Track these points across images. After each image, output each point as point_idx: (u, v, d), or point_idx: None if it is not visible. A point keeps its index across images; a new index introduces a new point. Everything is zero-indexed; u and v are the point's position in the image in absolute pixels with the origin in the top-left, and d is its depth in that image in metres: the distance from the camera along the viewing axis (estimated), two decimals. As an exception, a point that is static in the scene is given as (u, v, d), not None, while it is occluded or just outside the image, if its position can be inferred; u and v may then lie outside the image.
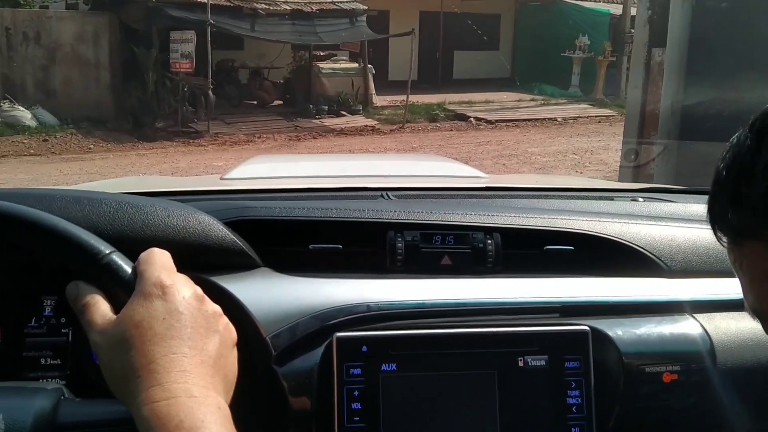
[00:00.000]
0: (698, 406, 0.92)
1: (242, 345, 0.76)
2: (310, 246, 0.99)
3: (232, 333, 0.73)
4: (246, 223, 0.99)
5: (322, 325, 0.88)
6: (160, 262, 0.71)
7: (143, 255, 0.72)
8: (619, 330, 0.93)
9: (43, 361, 0.93)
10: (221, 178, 1.82)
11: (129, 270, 0.71)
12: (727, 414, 0.94)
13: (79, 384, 0.87)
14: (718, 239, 0.63)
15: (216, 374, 0.66)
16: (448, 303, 0.94)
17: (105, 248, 0.71)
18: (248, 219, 1.00)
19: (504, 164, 9.33)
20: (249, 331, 0.85)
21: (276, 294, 0.90)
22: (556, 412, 0.89)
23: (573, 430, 0.89)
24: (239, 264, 0.94)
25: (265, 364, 0.85)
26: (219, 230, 0.92)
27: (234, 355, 0.73)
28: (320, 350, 0.87)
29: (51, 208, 0.83)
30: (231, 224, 0.97)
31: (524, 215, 1.08)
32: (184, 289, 0.69)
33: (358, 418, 0.85)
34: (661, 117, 2.26)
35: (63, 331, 0.94)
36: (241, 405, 0.75)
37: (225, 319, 0.73)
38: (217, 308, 0.73)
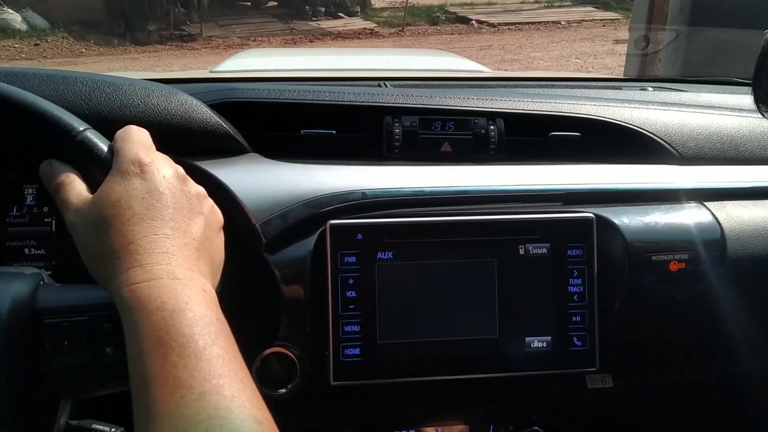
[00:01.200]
0: (704, 296, 0.89)
1: (231, 232, 0.72)
2: (302, 131, 0.93)
3: (217, 216, 0.69)
4: (233, 106, 0.93)
5: (314, 212, 0.84)
6: (138, 139, 0.66)
7: (120, 132, 0.67)
8: (625, 218, 0.89)
9: (27, 251, 0.90)
10: (210, 71, 1.75)
11: (105, 148, 0.66)
12: (733, 305, 0.91)
13: (65, 275, 0.84)
14: (760, 111, 0.57)
15: (201, 257, 0.62)
16: (447, 191, 0.89)
17: (79, 125, 0.66)
18: (235, 101, 0.94)
19: (506, 69, 9.12)
20: (237, 217, 0.81)
21: (265, 180, 0.85)
22: (556, 300, 0.86)
23: (574, 318, 0.86)
24: (225, 148, 0.88)
25: (256, 252, 0.82)
26: (203, 112, 0.87)
27: (220, 238, 0.69)
28: (313, 238, 0.83)
29: (23, 86, 0.78)
30: (216, 107, 0.91)
31: (528, 100, 1.02)
32: (165, 168, 0.65)
33: (353, 306, 0.82)
34: (671, 3, 2.15)
35: (46, 220, 0.91)
36: (231, 292, 0.71)
37: (210, 201, 0.69)
38: (201, 189, 0.69)
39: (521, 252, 0.86)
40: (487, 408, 0.92)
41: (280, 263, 0.82)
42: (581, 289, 0.86)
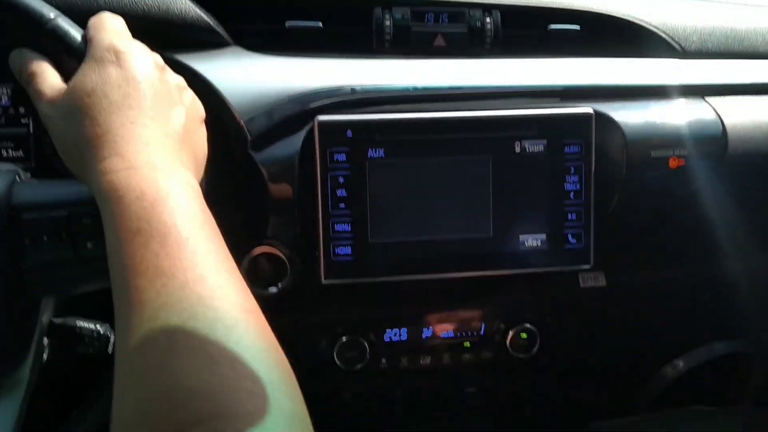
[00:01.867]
0: (702, 194, 0.88)
1: (215, 128, 0.69)
2: (286, 23, 0.88)
3: (199, 108, 0.66)
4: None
5: (302, 108, 0.80)
6: (112, 27, 0.62)
7: (93, 20, 0.63)
8: (624, 113, 0.86)
9: (4, 153, 0.86)
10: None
11: (78, 36, 0.63)
12: (730, 203, 0.90)
13: (44, 177, 0.81)
14: None
15: (183, 149, 0.59)
16: (440, 87, 0.86)
17: (49, 11, 0.62)
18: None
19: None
20: (222, 113, 0.78)
21: (249, 74, 0.81)
22: (552, 198, 0.84)
23: (569, 216, 0.85)
24: (206, 42, 0.83)
25: (241, 149, 0.79)
26: (183, 2, 0.81)
27: (203, 132, 0.65)
28: (301, 135, 0.80)
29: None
30: (196, -2, 0.86)
31: (527, -9, 0.97)
32: (142, 57, 0.61)
33: (343, 205, 0.80)
34: None
35: (23, 121, 0.87)
36: (217, 191, 0.69)
37: (190, 92, 0.65)
38: (181, 80, 0.65)
39: (517, 149, 0.83)
40: (479, 306, 0.91)
41: (267, 161, 0.79)
42: (578, 186, 0.84)
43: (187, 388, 0.41)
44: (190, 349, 0.43)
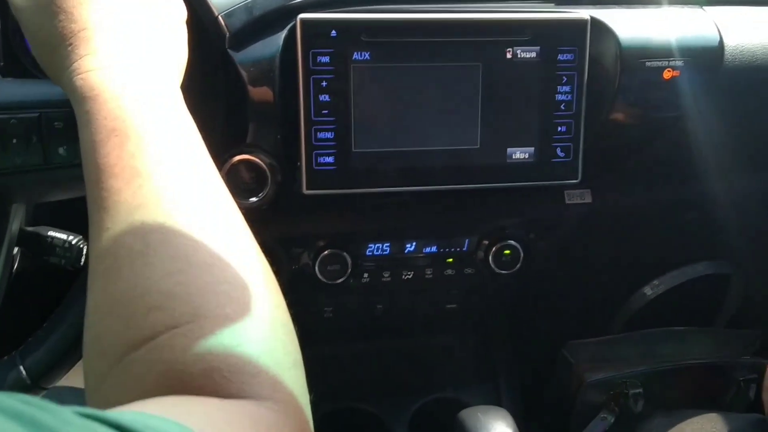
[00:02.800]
0: (695, 107, 0.85)
1: (190, 24, 0.64)
2: None
3: (181, 6, 0.61)
4: None
5: (283, 4, 0.75)
6: None
7: None
8: (620, 20, 0.82)
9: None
10: None
11: None
12: (724, 118, 0.88)
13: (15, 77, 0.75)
14: None
15: (165, 48, 0.54)
16: (430, -13, 0.81)
17: None
18: None
19: None
20: (197, 6, 0.72)
21: (227, -33, 0.76)
22: (543, 108, 0.81)
23: (559, 128, 0.82)
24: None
25: (219, 47, 0.74)
26: None
27: (184, 33, 0.60)
28: (282, 34, 0.75)
29: None
30: None
31: None
32: None
33: (326, 111, 0.76)
34: None
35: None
36: (193, 93, 0.65)
37: None
38: None
39: (509, 55, 0.80)
40: (463, 221, 0.89)
41: (246, 61, 0.74)
42: (569, 97, 0.81)
43: (162, 290, 0.39)
44: (166, 251, 0.40)
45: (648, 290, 1.20)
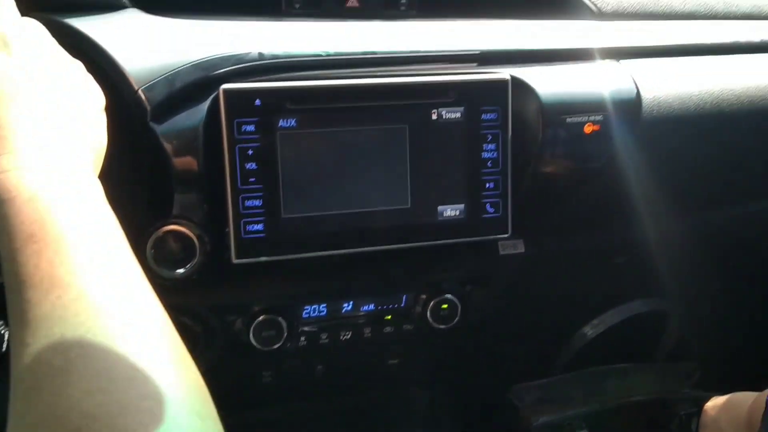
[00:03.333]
0: (617, 159, 0.87)
1: (111, 100, 0.63)
2: (189, -18, 0.82)
3: (99, 95, 0.60)
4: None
5: (206, 75, 0.75)
6: None
7: None
8: (540, 78, 0.84)
9: None
10: None
11: None
12: (645, 168, 0.90)
13: None
14: None
15: (81, 142, 0.53)
16: (354, 51, 0.82)
17: None
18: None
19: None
20: (117, 82, 0.72)
21: (148, 38, 0.75)
22: (470, 167, 0.82)
23: (487, 185, 0.83)
24: (99, 3, 0.77)
25: (140, 121, 0.73)
26: (69, -41, 0.74)
27: (103, 121, 0.60)
28: (206, 105, 0.75)
29: None
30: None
31: (443, -50, 0.93)
32: (36, 41, 0.55)
33: (253, 179, 0.76)
34: None
35: None
36: (117, 169, 0.64)
37: (90, 78, 0.60)
38: (79, 65, 0.59)
39: (434, 117, 0.81)
40: (399, 278, 0.89)
41: (168, 133, 0.73)
42: (495, 154, 0.83)
43: (83, 411, 0.37)
44: (87, 368, 0.39)
45: (588, 330, 1.22)
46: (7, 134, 0.48)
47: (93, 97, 0.59)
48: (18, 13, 0.57)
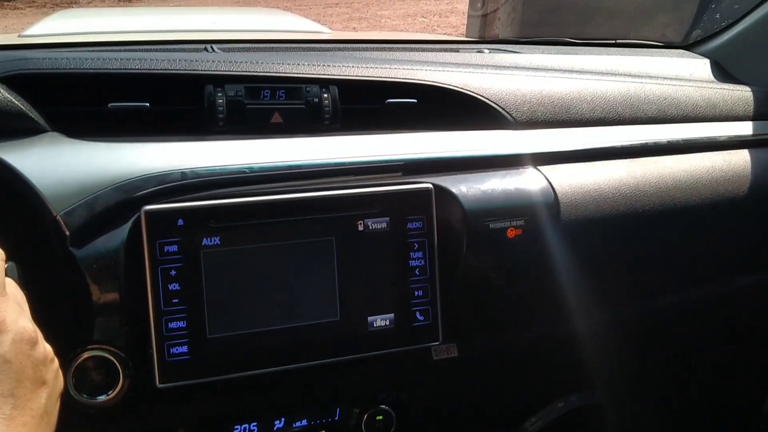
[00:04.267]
0: (541, 260, 0.90)
1: (31, 224, 0.62)
2: (109, 105, 0.83)
3: (60, 381, 0.60)
4: (28, 79, 0.81)
5: (127, 197, 0.75)
6: None
7: None
8: (462, 186, 0.87)
9: None
10: (19, 35, 1.55)
11: None
12: (569, 267, 0.92)
13: None
14: None
15: None
16: (278, 166, 0.83)
17: None
18: (29, 73, 0.81)
19: (354, 27, 9.05)
20: (36, 207, 0.71)
21: (67, 163, 0.75)
22: (398, 276, 0.83)
23: (416, 293, 0.84)
24: (18, 128, 0.77)
25: (60, 247, 0.71)
26: (-14, 86, 0.74)
27: (58, 407, 0.59)
28: (127, 227, 0.74)
29: None
30: (6, 80, 0.79)
31: (364, 65, 0.97)
32: (15, 326, 0.54)
33: (176, 301, 0.75)
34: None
35: None
36: (36, 296, 0.62)
37: (55, 365, 0.59)
38: (49, 351, 0.58)
39: (360, 228, 0.82)
40: (331, 392, 0.88)
41: (88, 258, 0.72)
42: (422, 262, 0.84)
43: None
44: None
45: (528, 426, 1.21)
46: None
47: (57, 385, 0.59)
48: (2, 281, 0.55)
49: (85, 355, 0.74)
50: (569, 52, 1.27)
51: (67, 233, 0.71)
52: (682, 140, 0.97)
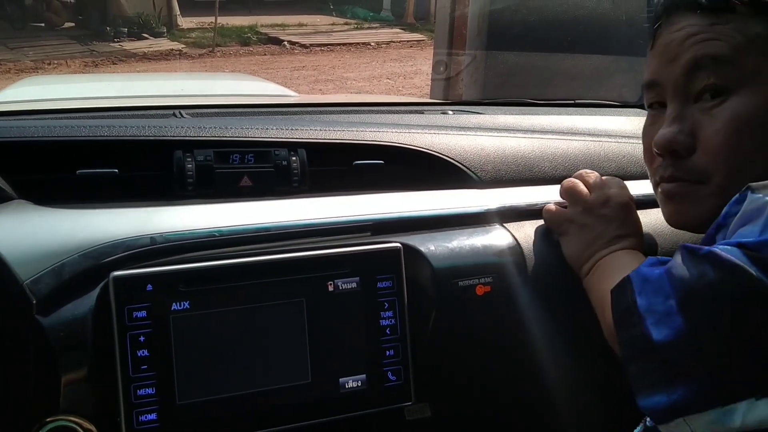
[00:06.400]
0: (511, 317, 0.90)
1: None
2: (77, 171, 0.83)
3: None
4: (-6, 148, 0.81)
5: (95, 263, 0.74)
6: None
7: None
8: (431, 244, 0.88)
9: None
10: (-16, 103, 1.55)
11: None
12: (539, 323, 0.93)
13: None
14: None
15: None
16: (247, 228, 0.83)
17: None
18: (-5, 142, 0.82)
19: (320, 89, 9.19)
20: (1, 275, 0.70)
21: (34, 230, 0.74)
22: (369, 336, 0.83)
23: (387, 353, 0.84)
24: (-16, 196, 0.76)
25: (25, 315, 0.70)
26: (-49, 156, 0.74)
27: None
28: (95, 293, 0.74)
29: None
30: (-28, 149, 0.79)
31: (331, 129, 0.99)
32: None
33: (145, 367, 0.74)
34: (468, 27, 2.25)
35: None
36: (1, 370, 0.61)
37: None
38: None
39: (330, 288, 0.82)
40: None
41: (55, 326, 0.71)
42: (393, 321, 0.84)
43: None
44: None
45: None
46: None
47: None
48: None
49: (52, 425, 0.72)
50: (531, 112, 1.31)
51: (34, 301, 0.70)
52: (643, 196, 0.99)
